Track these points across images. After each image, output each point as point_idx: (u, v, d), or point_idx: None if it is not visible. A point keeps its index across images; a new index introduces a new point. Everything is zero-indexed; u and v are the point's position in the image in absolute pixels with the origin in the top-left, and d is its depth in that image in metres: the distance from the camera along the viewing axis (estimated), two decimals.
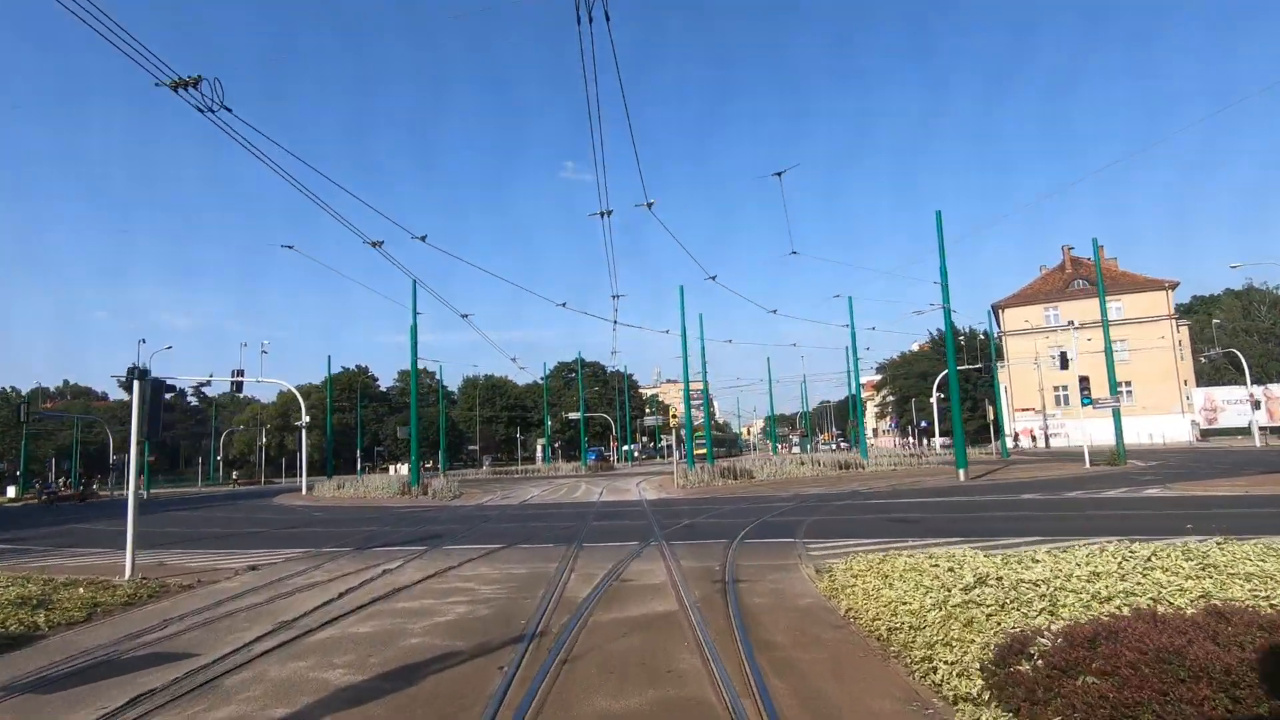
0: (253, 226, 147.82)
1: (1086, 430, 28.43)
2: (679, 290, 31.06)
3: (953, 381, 23.95)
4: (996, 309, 65.51)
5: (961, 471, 23.13)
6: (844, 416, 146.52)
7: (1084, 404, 26.69)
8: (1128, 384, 61.07)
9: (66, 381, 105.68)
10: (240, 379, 39.40)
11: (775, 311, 27.59)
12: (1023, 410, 63.52)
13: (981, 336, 63.43)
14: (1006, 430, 68.86)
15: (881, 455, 39.14)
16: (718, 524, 14.68)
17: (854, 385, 43.88)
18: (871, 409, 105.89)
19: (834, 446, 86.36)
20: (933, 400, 51.28)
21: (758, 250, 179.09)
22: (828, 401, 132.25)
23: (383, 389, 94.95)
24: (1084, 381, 26.82)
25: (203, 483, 58.67)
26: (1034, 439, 61.47)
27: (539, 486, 34.32)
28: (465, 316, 22.99)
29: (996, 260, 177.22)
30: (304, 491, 36.88)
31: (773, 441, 70.41)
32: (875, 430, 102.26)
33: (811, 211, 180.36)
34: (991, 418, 48.03)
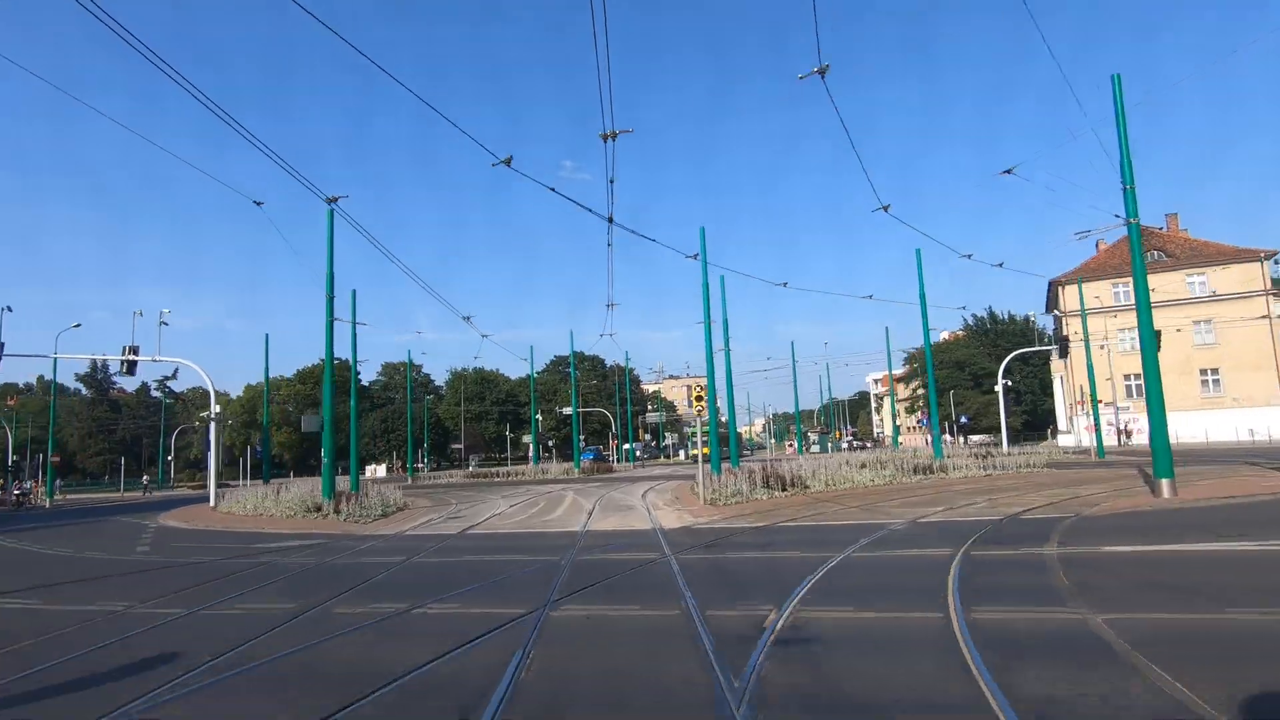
0: (252, 222, 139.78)
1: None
2: (700, 231, 21.98)
3: (1145, 338, 15.28)
4: (1055, 285, 56.97)
5: (1164, 484, 14.47)
6: (855, 414, 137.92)
7: None
8: (1214, 371, 52.40)
9: (41, 378, 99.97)
10: (134, 358, 30.85)
11: (887, 208, 19.34)
12: (1082, 402, 54.96)
13: (1054, 318, 54.54)
14: (1065, 426, 60.30)
15: (953, 456, 30.57)
16: (858, 629, 6.08)
17: (925, 347, 35.22)
18: (893, 403, 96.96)
19: (846, 445, 78.34)
20: (997, 388, 42.75)
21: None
22: (838, 398, 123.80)
23: (364, 383, 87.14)
24: None
25: (125, 488, 50.16)
26: (1124, 435, 52.74)
27: (512, 498, 25.65)
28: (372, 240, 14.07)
29: (1004, 243, 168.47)
30: (211, 503, 28.39)
31: (799, 440, 62.12)
32: (901, 426, 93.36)
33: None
34: (1087, 409, 39.44)
